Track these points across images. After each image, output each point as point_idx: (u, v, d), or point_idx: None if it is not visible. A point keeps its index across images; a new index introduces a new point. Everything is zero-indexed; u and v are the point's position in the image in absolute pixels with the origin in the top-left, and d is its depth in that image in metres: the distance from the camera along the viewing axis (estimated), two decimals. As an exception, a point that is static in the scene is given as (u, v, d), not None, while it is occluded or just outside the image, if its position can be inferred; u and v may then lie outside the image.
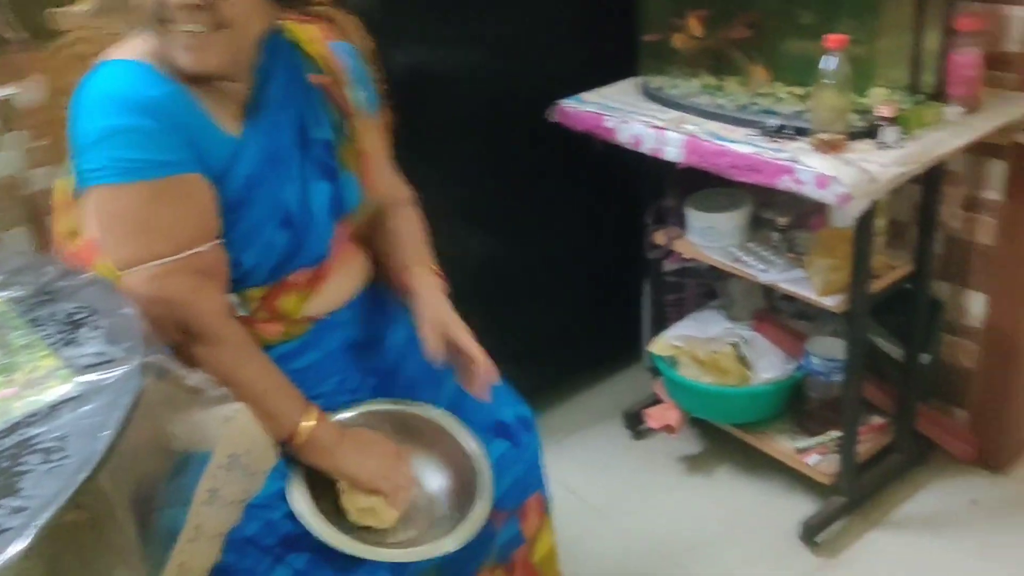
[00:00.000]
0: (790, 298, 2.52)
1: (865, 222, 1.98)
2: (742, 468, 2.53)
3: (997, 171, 2.20)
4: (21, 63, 1.90)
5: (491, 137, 2.31)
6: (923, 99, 2.02)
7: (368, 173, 1.59)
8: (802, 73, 1.99)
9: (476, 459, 1.55)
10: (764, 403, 2.39)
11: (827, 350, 2.29)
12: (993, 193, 2.21)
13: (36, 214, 1.98)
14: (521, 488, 1.68)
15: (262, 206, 1.41)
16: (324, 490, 1.46)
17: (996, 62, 2.10)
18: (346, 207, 1.54)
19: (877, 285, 2.13)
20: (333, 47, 1.57)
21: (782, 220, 2.26)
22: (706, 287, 2.66)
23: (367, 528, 1.46)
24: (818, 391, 2.33)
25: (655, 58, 2.28)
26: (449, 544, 1.45)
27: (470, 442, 1.57)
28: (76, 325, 1.15)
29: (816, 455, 2.33)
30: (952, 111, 2.01)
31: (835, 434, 2.32)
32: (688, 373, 2.41)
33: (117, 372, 1.04)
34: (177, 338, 1.35)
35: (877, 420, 2.40)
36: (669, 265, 2.58)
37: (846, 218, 1.97)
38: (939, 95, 2.04)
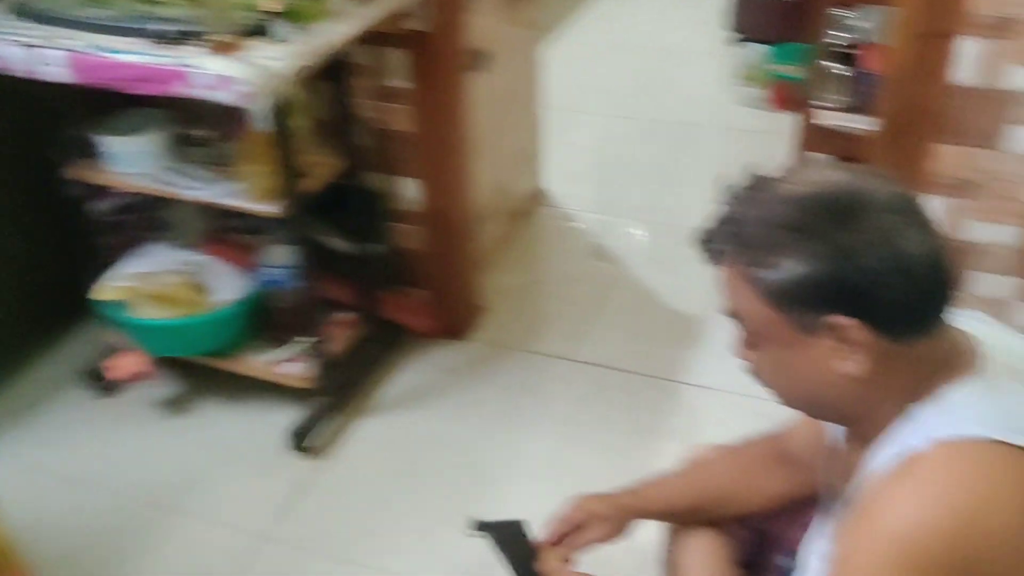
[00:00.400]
0: (238, 214, 2.43)
1: (282, 122, 1.92)
2: (226, 396, 2.42)
3: (401, 60, 2.24)
4: None
5: None
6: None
7: None
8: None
9: None
10: (230, 326, 2.28)
11: (280, 258, 2.22)
12: (402, 82, 2.26)
13: None
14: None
15: None
16: None
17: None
18: None
19: (311, 184, 2.10)
20: None
21: (207, 134, 2.13)
22: (150, 220, 2.46)
23: None
24: (281, 301, 2.28)
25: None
26: None
27: None
28: None
29: (291, 363, 2.29)
30: (340, 2, 2.00)
31: (307, 339, 2.29)
32: (144, 313, 2.22)
33: None
34: None
35: (345, 316, 2.41)
36: (103, 203, 2.34)
37: (265, 121, 1.90)
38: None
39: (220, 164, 2.10)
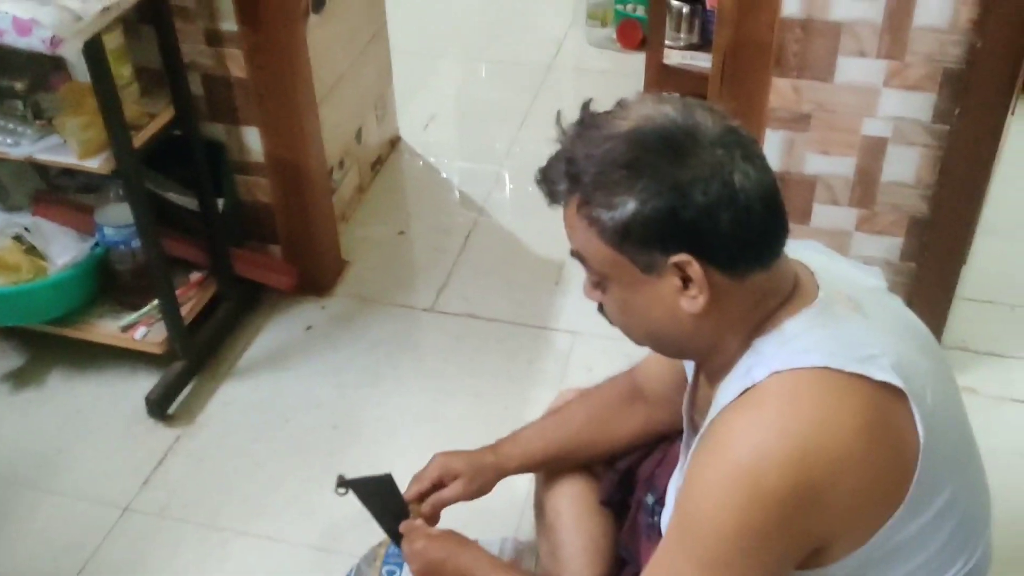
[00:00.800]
0: (70, 173, 2.27)
1: (101, 70, 1.78)
2: (74, 366, 2.27)
3: (226, 2, 2.09)
4: None
5: None
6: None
7: None
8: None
9: None
10: (70, 290, 2.12)
11: (117, 217, 2.08)
12: (230, 24, 2.12)
13: None
14: None
15: None
16: None
17: None
18: None
19: (141, 137, 1.95)
20: None
21: (20, 84, 1.94)
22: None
23: None
24: (124, 262, 2.13)
25: None
26: None
27: None
28: None
29: (143, 327, 2.16)
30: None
31: (156, 302, 2.16)
32: (-27, 282, 2.06)
33: None
34: None
35: (196, 275, 2.29)
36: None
37: (82, 69, 1.76)
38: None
39: (38, 116, 1.93)
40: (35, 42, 1.55)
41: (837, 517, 0.98)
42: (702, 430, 1.08)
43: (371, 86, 2.80)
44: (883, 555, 1.02)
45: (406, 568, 1.70)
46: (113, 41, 1.89)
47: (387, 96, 2.93)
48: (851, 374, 0.98)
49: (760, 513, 0.97)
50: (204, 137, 2.20)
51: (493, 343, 2.33)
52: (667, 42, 2.98)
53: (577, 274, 2.50)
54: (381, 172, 2.90)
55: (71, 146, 1.88)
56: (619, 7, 3.41)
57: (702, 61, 2.90)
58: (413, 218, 2.79)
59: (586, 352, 2.28)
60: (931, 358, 1.10)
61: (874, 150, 1.95)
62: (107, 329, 2.17)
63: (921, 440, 0.99)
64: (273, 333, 2.38)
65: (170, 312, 2.12)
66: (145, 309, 2.18)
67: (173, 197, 2.23)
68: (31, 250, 2.12)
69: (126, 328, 2.16)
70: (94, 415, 2.16)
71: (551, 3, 3.80)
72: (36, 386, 2.24)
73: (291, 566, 1.84)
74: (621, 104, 1.05)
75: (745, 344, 1.05)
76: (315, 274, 2.47)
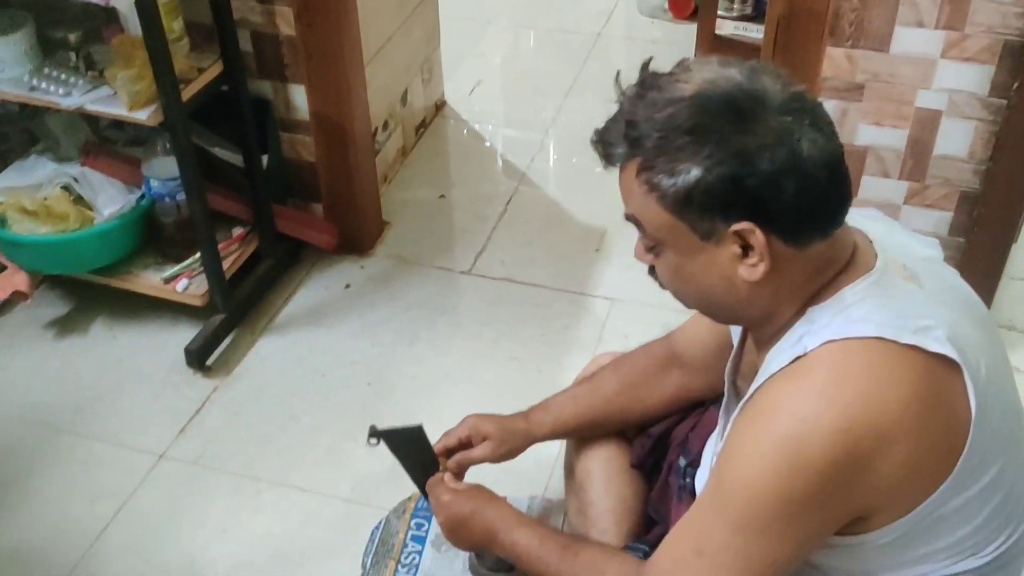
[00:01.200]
0: (120, 125, 2.28)
1: (152, 23, 1.77)
2: (117, 315, 2.28)
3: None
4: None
5: None
6: None
7: None
8: None
9: None
10: (115, 241, 2.13)
11: (163, 170, 2.08)
12: (284, -19, 2.11)
13: None
14: None
15: None
16: None
17: None
18: None
19: (189, 91, 1.95)
20: None
21: (74, 36, 1.95)
22: (22, 132, 2.28)
23: None
24: (168, 214, 2.14)
25: None
26: None
27: None
28: None
29: (184, 280, 2.17)
30: None
31: (199, 255, 2.17)
32: (21, 228, 2.07)
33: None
34: None
35: (239, 231, 2.29)
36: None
37: (134, 22, 1.75)
38: None
39: (90, 68, 1.94)
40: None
41: (881, 489, 0.95)
42: (746, 396, 1.05)
43: (419, 49, 2.77)
44: (926, 526, 0.98)
45: (435, 521, 1.70)
46: (165, -6, 1.89)
47: (434, 60, 2.90)
48: (905, 345, 0.94)
49: (800, 483, 0.94)
50: (251, 94, 2.19)
51: (530, 308, 2.30)
52: (719, 12, 2.91)
53: (619, 242, 2.49)
54: (425, 135, 2.88)
55: (121, 98, 1.89)
56: (671, -24, 3.35)
57: (754, 32, 2.83)
58: (455, 182, 2.77)
59: (623, 319, 2.24)
60: (985, 331, 1.06)
61: (928, 123, 1.89)
62: (150, 280, 2.18)
63: (973, 414, 0.95)
64: (312, 290, 2.38)
65: (212, 265, 2.13)
66: (187, 262, 2.18)
67: (219, 152, 2.23)
68: (79, 200, 2.13)
69: (168, 280, 2.17)
70: (134, 364, 2.18)
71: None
72: (79, 334, 2.26)
73: (322, 517, 1.84)
74: (683, 66, 1.00)
75: (800, 312, 1.01)
76: (355, 233, 2.46)
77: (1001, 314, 2.15)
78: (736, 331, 1.23)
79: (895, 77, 1.87)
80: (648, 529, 1.45)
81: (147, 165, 2.11)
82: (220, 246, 2.18)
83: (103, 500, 1.88)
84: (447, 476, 1.40)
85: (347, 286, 2.39)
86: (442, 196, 2.69)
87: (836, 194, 0.98)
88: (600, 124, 1.03)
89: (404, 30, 2.62)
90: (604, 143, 1.02)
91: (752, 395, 1.03)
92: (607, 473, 1.47)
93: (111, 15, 1.92)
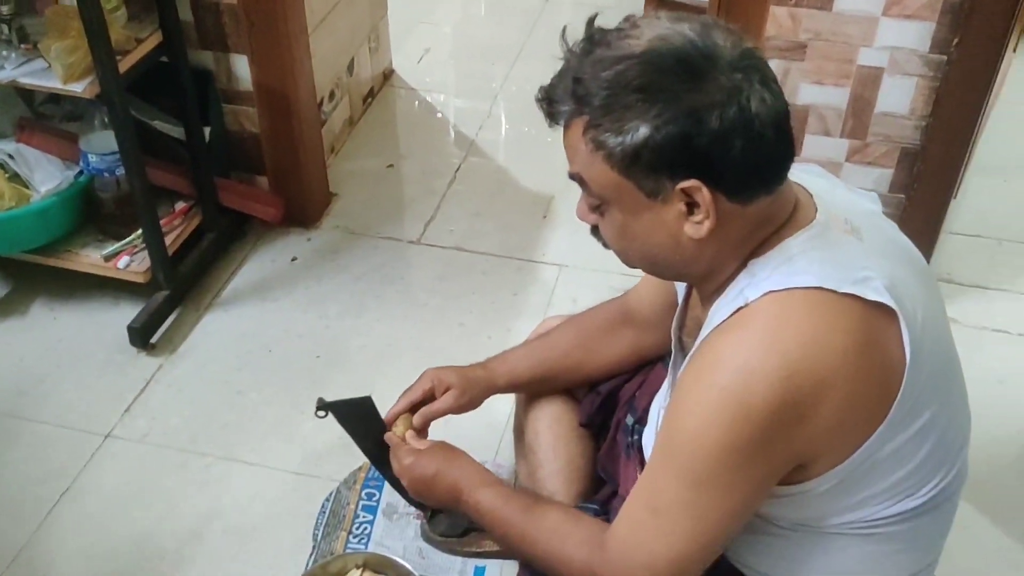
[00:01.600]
0: (56, 100, 2.22)
1: (86, -8, 1.72)
2: (57, 295, 2.23)
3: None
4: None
5: None
6: None
7: None
8: None
9: None
10: (53, 219, 2.08)
11: (101, 145, 2.03)
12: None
13: None
14: None
15: None
16: None
17: None
18: None
19: (127, 62, 1.90)
20: None
21: (6, 8, 1.88)
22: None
23: None
24: (108, 190, 2.09)
25: None
26: None
27: None
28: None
29: (126, 257, 2.12)
30: None
31: (140, 231, 2.12)
32: (-46, 208, 2.02)
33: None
34: None
35: (181, 205, 2.24)
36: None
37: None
38: None
39: (23, 40, 1.88)
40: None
41: (820, 435, 0.96)
42: (692, 351, 1.05)
43: (365, 17, 2.73)
44: (863, 471, 1.00)
45: (385, 489, 1.70)
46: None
47: (381, 28, 2.86)
48: (844, 294, 0.95)
49: (745, 430, 0.95)
50: (192, 64, 2.14)
51: (479, 275, 2.30)
52: (664, -28, 2.90)
53: (566, 208, 2.49)
54: (372, 105, 2.85)
55: (55, 70, 1.83)
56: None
57: (700, -6, 2.83)
58: (403, 152, 2.74)
59: (572, 284, 2.24)
60: (923, 282, 1.07)
61: (869, 80, 1.90)
62: (90, 258, 2.14)
63: (908, 361, 0.96)
64: (258, 264, 2.34)
65: (154, 242, 2.08)
66: (129, 239, 2.14)
67: (159, 125, 2.18)
68: (14, 178, 2.08)
69: (109, 257, 2.12)
70: (76, 344, 2.13)
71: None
72: (18, 315, 2.21)
73: (272, 490, 1.82)
74: (631, 22, 0.98)
75: (742, 266, 1.02)
76: (302, 206, 2.42)
77: (940, 267, 2.18)
78: (681, 288, 1.23)
79: (837, 35, 1.87)
80: (597, 489, 1.46)
81: (84, 140, 2.06)
82: (162, 221, 2.13)
83: (50, 481, 1.85)
84: (409, 434, 1.39)
85: (294, 259, 2.36)
86: (390, 166, 2.66)
87: (782, 151, 0.98)
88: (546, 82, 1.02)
89: (348, -3, 2.58)
90: (550, 100, 1.00)
91: (696, 349, 1.04)
92: (556, 433, 1.48)
93: (40, -16, 1.87)
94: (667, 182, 0.95)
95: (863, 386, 0.95)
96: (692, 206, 0.97)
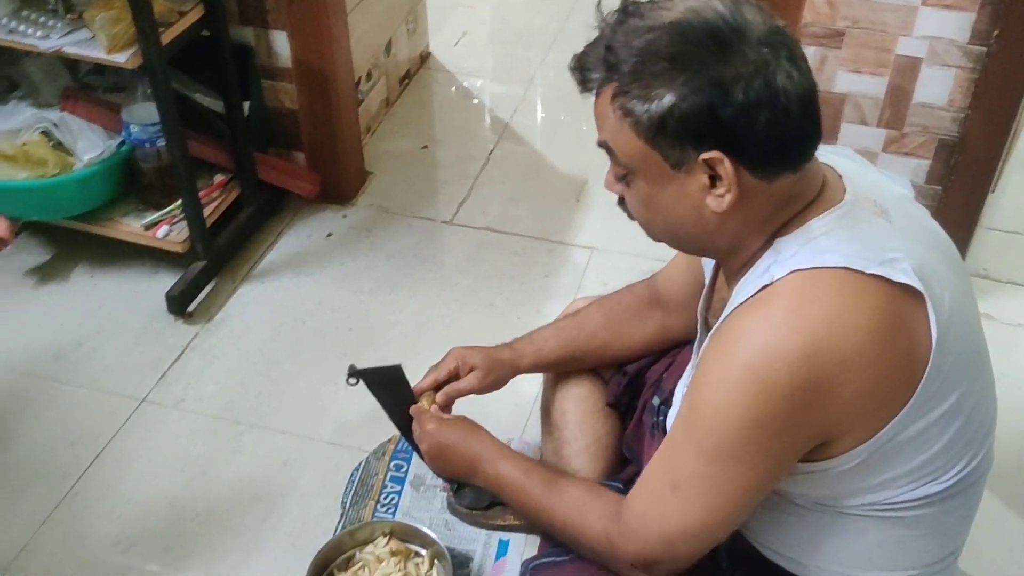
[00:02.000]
0: (100, 71, 2.25)
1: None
2: (98, 262, 2.28)
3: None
4: None
5: None
6: None
7: None
8: None
9: None
10: (95, 187, 2.12)
11: (143, 116, 2.06)
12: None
13: None
14: None
15: None
16: None
17: None
18: None
19: (169, 34, 1.93)
20: None
21: (52, -23, 1.93)
22: (5, 79, 2.26)
23: None
24: (149, 160, 2.13)
25: None
26: None
27: None
28: None
29: (165, 227, 2.16)
30: None
31: (180, 202, 2.16)
32: (0, 174, 2.05)
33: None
34: None
35: (220, 178, 2.28)
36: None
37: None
38: None
39: (69, 11, 1.91)
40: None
41: (843, 414, 0.96)
42: (714, 328, 1.06)
43: (404, -2, 2.75)
44: (887, 452, 0.99)
45: (414, 462, 1.71)
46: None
47: (419, 10, 2.87)
48: (870, 275, 0.95)
49: (767, 407, 0.95)
50: (233, 39, 2.16)
51: (510, 256, 2.31)
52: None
53: (599, 192, 2.49)
54: (409, 86, 2.86)
55: (99, 40, 1.87)
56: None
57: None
58: (438, 133, 2.75)
59: (602, 267, 2.25)
60: (952, 267, 1.06)
61: (907, 70, 1.89)
62: (130, 227, 2.17)
63: (934, 344, 0.96)
64: (293, 239, 2.37)
65: (193, 212, 2.12)
66: (168, 209, 2.17)
67: (199, 98, 2.21)
68: (58, 146, 2.12)
69: (149, 226, 2.16)
70: (115, 311, 2.18)
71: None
72: (59, 281, 2.25)
73: (303, 458, 1.85)
74: None
75: (767, 244, 1.02)
76: (338, 183, 2.45)
77: (976, 263, 2.16)
78: (709, 269, 1.24)
79: (876, 24, 1.86)
80: (622, 468, 1.47)
81: (127, 111, 2.09)
82: (201, 193, 2.17)
83: (84, 443, 1.89)
84: (434, 407, 1.40)
85: (329, 235, 2.39)
86: (425, 147, 2.67)
87: (807, 129, 0.98)
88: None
89: (388, -22, 2.59)
90: (582, 68, 1.01)
91: (720, 325, 1.04)
92: (582, 412, 1.48)
93: (87, -45, 1.90)
94: (691, 152, 0.96)
95: (887, 367, 0.95)
96: (715, 179, 0.97)
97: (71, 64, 2.19)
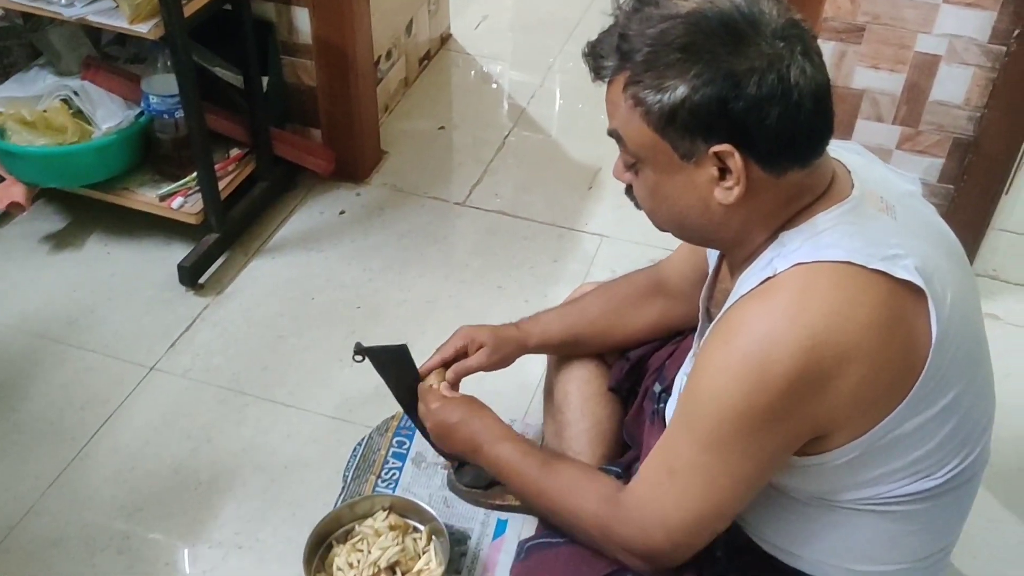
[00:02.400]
0: (121, 42, 2.26)
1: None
2: (112, 231, 2.29)
3: None
4: None
5: None
6: None
7: None
8: None
9: None
10: (113, 155, 2.13)
11: (163, 87, 2.07)
12: None
13: None
14: None
15: None
16: None
17: None
18: None
19: (192, 7, 1.93)
20: None
21: (76, -53, 1.93)
22: (28, 47, 2.27)
23: None
24: (166, 131, 2.13)
25: None
26: None
27: None
28: None
29: (180, 198, 2.16)
30: None
31: (195, 174, 2.16)
32: (20, 139, 2.06)
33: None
34: None
35: (236, 152, 2.28)
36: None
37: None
38: None
39: (93, -20, 1.92)
40: None
41: (840, 407, 0.96)
42: (716, 319, 1.05)
43: (425, -21, 2.74)
44: (883, 447, 1.00)
45: (416, 439, 1.73)
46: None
47: (441, -9, 2.87)
48: (872, 271, 0.95)
49: (764, 397, 0.95)
50: (254, 14, 2.16)
51: (520, 240, 2.30)
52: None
53: (612, 181, 2.46)
54: (428, 68, 2.86)
55: (123, 10, 1.87)
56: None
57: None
58: (455, 115, 2.75)
59: (611, 255, 2.25)
60: (956, 265, 1.06)
61: (926, 67, 1.87)
62: (146, 197, 2.18)
63: (933, 341, 0.96)
64: (307, 215, 2.38)
65: (208, 185, 2.12)
66: (184, 180, 2.18)
67: (219, 72, 2.21)
68: (78, 114, 2.12)
69: (164, 197, 2.17)
70: (127, 279, 2.19)
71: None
72: (74, 248, 2.26)
73: (306, 432, 1.86)
74: None
75: (772, 237, 1.02)
76: (353, 161, 2.45)
77: (986, 264, 2.14)
78: (713, 260, 1.23)
79: (896, 20, 1.84)
80: (622, 453, 1.47)
81: (147, 81, 2.10)
82: (217, 166, 2.17)
83: (93, 407, 1.90)
84: (441, 385, 1.41)
85: (342, 212, 2.39)
86: (441, 128, 2.67)
87: (819, 125, 0.98)
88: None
89: (409, -42, 2.59)
90: (595, 56, 1.01)
91: (722, 315, 1.04)
92: (584, 395, 1.49)
93: (112, -75, 1.90)
94: (701, 144, 0.96)
95: (885, 362, 0.95)
96: (724, 171, 0.97)
97: (93, 34, 2.20)
